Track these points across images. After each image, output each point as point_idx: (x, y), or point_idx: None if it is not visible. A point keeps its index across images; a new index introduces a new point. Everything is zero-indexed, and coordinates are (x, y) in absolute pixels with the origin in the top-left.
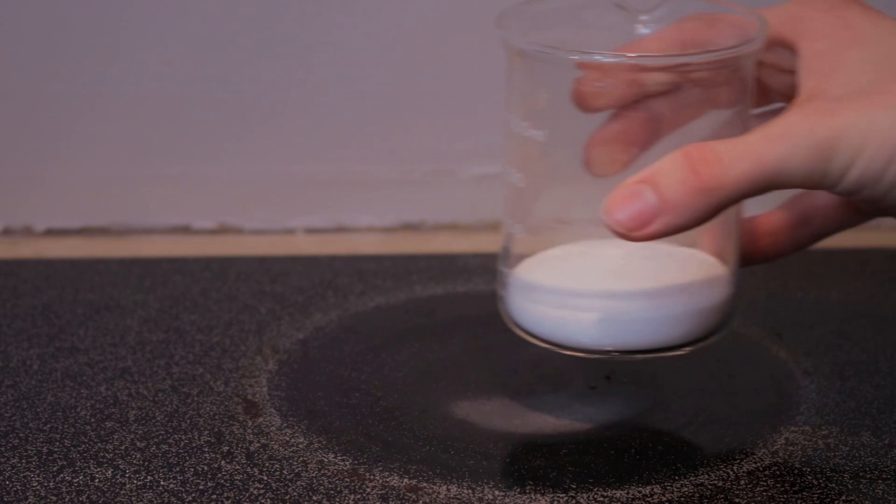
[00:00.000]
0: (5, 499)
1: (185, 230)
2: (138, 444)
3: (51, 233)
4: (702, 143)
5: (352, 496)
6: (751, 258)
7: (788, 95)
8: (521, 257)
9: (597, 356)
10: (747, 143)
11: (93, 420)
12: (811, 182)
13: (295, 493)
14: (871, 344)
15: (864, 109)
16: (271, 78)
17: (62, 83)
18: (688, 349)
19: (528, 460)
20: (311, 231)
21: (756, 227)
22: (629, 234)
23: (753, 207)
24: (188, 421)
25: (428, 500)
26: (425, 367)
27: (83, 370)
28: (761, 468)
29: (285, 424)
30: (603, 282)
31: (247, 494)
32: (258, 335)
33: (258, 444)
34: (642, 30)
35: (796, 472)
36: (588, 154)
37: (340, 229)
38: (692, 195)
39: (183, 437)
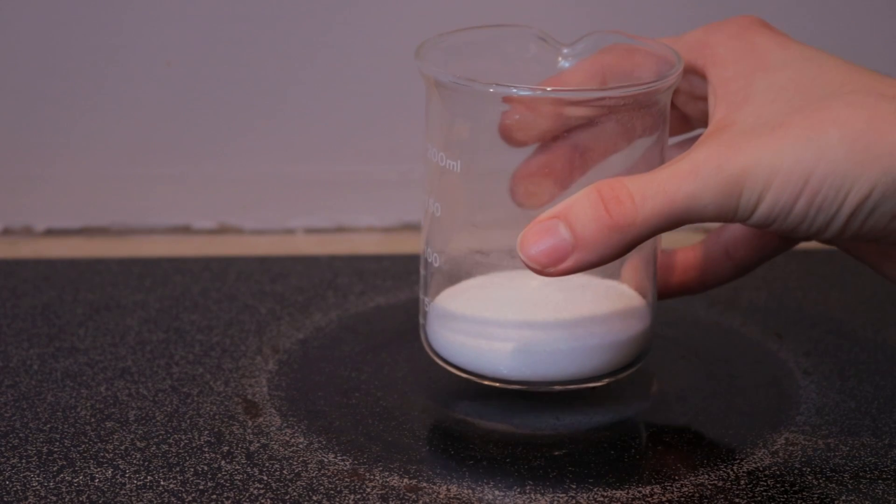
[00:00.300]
0: (5, 499)
1: (185, 230)
2: (138, 444)
3: (51, 233)
4: (613, 180)
5: (352, 496)
6: (666, 293)
7: (705, 121)
8: (440, 286)
9: (515, 387)
10: (658, 180)
11: (93, 420)
12: (723, 216)
13: (295, 493)
14: (871, 344)
15: (769, 144)
16: (271, 78)
17: (62, 83)
18: (606, 380)
19: (528, 460)
20: (311, 231)
21: (673, 263)
22: (543, 269)
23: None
24: (188, 421)
25: (428, 500)
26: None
27: (83, 370)
28: (761, 468)
29: (285, 424)
30: (521, 312)
31: (247, 494)
32: (258, 335)
33: (258, 444)
34: (563, 62)
35: (796, 472)
36: (514, 187)
37: (340, 229)
38: (605, 233)
39: (183, 437)
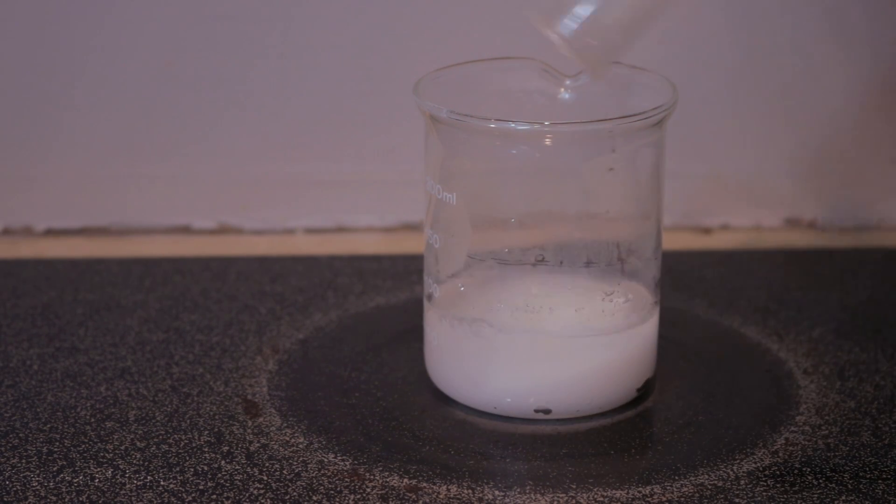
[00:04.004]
0: (5, 499)
1: (185, 230)
2: (138, 444)
3: (51, 233)
4: None
5: (352, 496)
6: None
7: None
8: (441, 317)
9: (518, 419)
10: None
11: (93, 420)
12: None
13: (295, 493)
14: (871, 344)
15: None
16: (272, 78)
17: (62, 83)
18: (610, 408)
19: (528, 460)
20: (311, 231)
21: None
22: None
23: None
24: (188, 421)
25: (428, 500)
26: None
27: (83, 370)
28: (761, 468)
29: (285, 424)
30: (522, 343)
31: (247, 494)
32: (258, 335)
33: (258, 444)
34: (565, 94)
35: (796, 472)
36: None
37: (340, 229)
38: None
39: (183, 437)
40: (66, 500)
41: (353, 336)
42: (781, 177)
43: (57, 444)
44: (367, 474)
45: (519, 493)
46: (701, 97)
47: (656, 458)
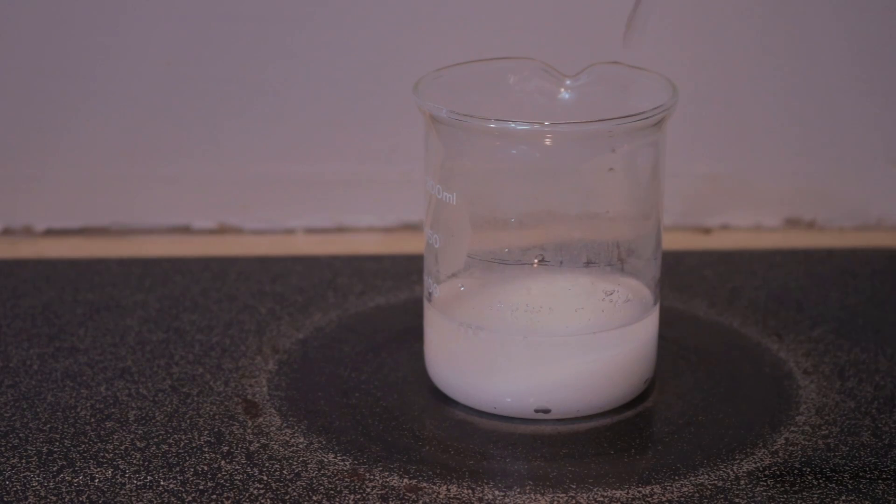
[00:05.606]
0: (5, 499)
1: (185, 230)
2: (138, 444)
3: (51, 233)
4: None
5: (352, 496)
6: None
7: None
8: (440, 317)
9: (518, 419)
10: None
11: (93, 420)
12: None
13: (295, 493)
14: (871, 344)
15: None
16: (272, 78)
17: (62, 83)
18: (611, 414)
19: (528, 460)
20: (311, 231)
21: None
22: None
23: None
24: (188, 421)
25: (428, 500)
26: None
27: (83, 370)
28: (761, 468)
29: (285, 424)
30: (522, 342)
31: (247, 494)
32: (258, 335)
33: (258, 444)
34: (565, 94)
35: (796, 472)
36: None
37: (340, 229)
38: None
39: (183, 437)
40: (66, 500)
41: (353, 336)
42: (781, 177)
43: (57, 444)
44: (367, 474)
45: (519, 493)
46: (701, 97)
47: (656, 458)
